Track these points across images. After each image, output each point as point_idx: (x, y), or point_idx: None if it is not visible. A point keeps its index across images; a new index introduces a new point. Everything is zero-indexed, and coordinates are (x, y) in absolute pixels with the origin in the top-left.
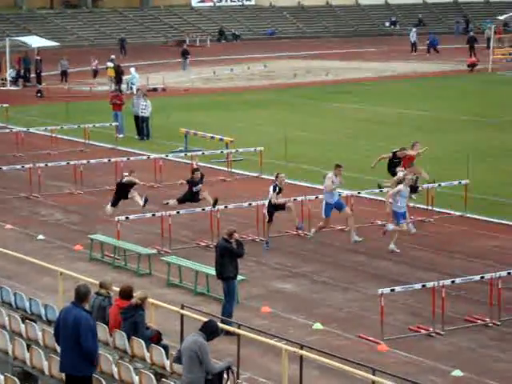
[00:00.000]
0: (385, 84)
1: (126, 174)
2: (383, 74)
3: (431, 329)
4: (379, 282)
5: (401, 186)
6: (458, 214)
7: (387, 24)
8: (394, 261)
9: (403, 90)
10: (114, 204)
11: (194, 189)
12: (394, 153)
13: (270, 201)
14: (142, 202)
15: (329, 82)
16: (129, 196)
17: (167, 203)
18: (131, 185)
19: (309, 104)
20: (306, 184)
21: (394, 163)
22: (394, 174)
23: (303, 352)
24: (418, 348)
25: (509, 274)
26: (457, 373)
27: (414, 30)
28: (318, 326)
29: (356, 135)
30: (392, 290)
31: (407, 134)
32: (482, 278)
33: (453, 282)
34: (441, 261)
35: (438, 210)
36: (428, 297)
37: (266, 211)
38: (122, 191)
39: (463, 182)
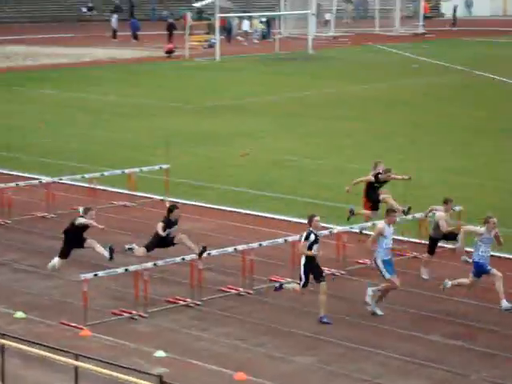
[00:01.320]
0: (83, 70)
1: (80, 211)
2: (82, 60)
3: (134, 312)
4: (82, 267)
5: (483, 229)
6: (159, 198)
7: (84, 10)
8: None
9: (102, 76)
10: (65, 255)
11: (168, 231)
12: (376, 175)
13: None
14: (106, 254)
15: (27, 68)
16: (85, 245)
17: (131, 249)
18: (84, 228)
19: (7, 90)
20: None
21: (373, 187)
22: (375, 200)
23: (4, 341)
24: (122, 331)
25: (209, 254)
26: (160, 353)
27: (116, 16)
28: (19, 314)
29: (57, 122)
30: (95, 275)
31: (108, 119)
32: (183, 259)
33: (155, 264)
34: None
35: (140, 194)
36: (132, 280)
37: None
38: (75, 238)
39: (164, 166)
